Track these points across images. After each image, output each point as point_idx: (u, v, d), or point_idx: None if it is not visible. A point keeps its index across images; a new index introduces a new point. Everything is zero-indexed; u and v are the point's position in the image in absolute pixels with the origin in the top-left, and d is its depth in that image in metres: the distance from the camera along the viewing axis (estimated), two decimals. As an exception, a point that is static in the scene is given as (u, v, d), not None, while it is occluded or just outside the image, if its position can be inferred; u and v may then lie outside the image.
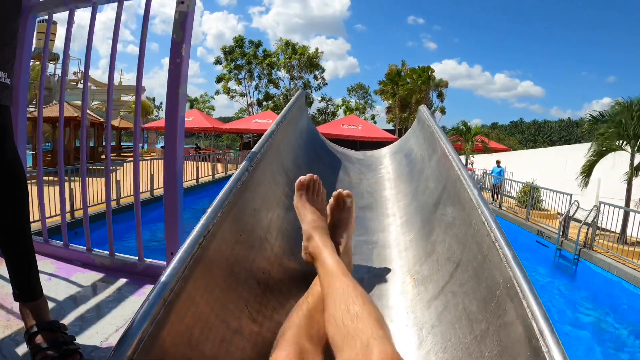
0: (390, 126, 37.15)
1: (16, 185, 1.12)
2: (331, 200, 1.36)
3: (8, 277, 1.18)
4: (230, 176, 1.20)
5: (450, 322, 1.01)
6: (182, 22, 1.46)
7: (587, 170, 9.72)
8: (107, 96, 1.73)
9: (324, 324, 0.91)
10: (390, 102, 36.38)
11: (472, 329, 0.92)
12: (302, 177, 1.30)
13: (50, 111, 14.40)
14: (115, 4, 1.66)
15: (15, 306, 1.38)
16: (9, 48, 1.06)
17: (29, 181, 1.97)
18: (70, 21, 1.79)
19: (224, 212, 1.02)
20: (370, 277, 1.34)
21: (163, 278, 0.78)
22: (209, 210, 0.99)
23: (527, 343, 0.74)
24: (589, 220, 8.43)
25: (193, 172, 14.53)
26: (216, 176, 15.88)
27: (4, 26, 1.04)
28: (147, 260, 1.72)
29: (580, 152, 10.32)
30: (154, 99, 45.16)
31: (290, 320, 0.97)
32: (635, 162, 8.84)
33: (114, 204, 9.00)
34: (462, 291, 1.05)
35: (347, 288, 0.90)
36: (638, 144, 8.82)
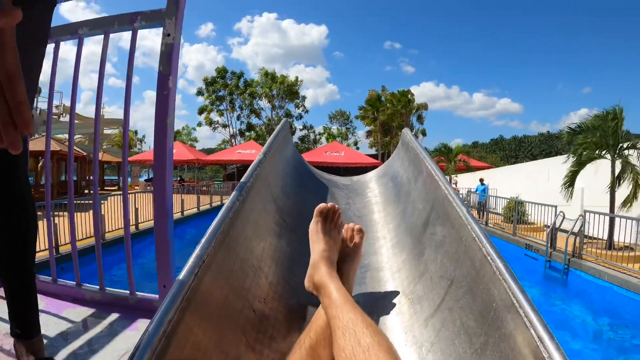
0: (373, 151, 37.57)
1: (27, 218, 1.11)
2: (343, 232, 1.34)
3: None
4: (215, 208, 1.21)
5: (449, 338, 1.01)
6: (169, 54, 1.49)
7: (570, 181, 9.92)
8: (95, 129, 1.74)
9: (327, 358, 0.90)
10: (371, 127, 36.76)
11: (471, 343, 0.93)
12: (322, 205, 1.28)
13: (33, 145, 14.24)
14: (101, 36, 1.68)
15: (5, 343, 1.36)
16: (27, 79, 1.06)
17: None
18: (56, 53, 1.80)
19: (217, 242, 1.02)
20: (366, 301, 1.34)
21: (161, 309, 0.78)
22: (203, 240, 0.99)
23: (527, 351, 0.75)
24: (576, 229, 8.55)
25: (178, 205, 14.42)
26: (201, 208, 15.73)
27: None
28: (139, 293, 1.70)
29: (561, 164, 10.53)
30: (136, 132, 45.07)
31: (291, 357, 0.94)
32: (617, 170, 9.05)
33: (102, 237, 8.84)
34: (458, 307, 1.05)
35: (357, 320, 0.86)
36: (617, 151, 9.04)
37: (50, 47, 1.79)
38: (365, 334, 0.82)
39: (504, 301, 0.87)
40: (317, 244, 1.24)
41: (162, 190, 1.48)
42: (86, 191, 20.66)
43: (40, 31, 1.08)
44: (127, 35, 1.66)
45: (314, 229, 1.27)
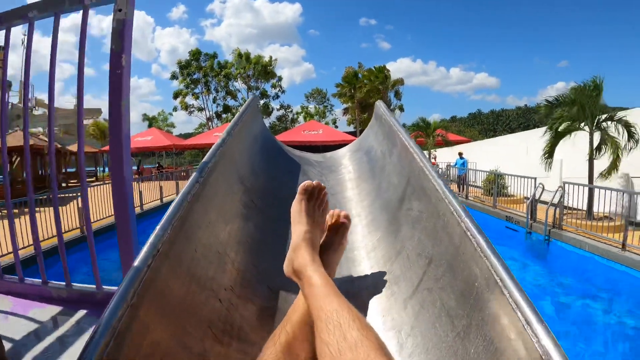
0: (351, 128, 37.46)
1: None
2: (327, 217, 1.25)
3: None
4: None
5: (429, 321, 0.96)
6: (121, 31, 1.38)
7: (549, 152, 10.04)
8: (49, 120, 1.63)
9: (305, 356, 0.83)
10: (348, 104, 36.58)
11: (453, 326, 0.87)
12: (307, 182, 1.20)
13: (7, 140, 13.84)
14: (52, 17, 1.57)
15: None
16: None
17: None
18: (7, 40, 1.71)
19: (174, 228, 0.94)
20: (340, 283, 1.27)
21: (109, 308, 0.71)
22: (157, 228, 0.90)
23: (514, 334, 0.70)
24: (555, 200, 8.67)
25: (156, 192, 14.21)
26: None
27: None
28: (107, 287, 1.63)
29: (540, 137, 10.62)
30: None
31: (265, 355, 0.85)
32: (595, 142, 9.17)
33: (77, 231, 8.70)
34: (438, 287, 1.00)
35: (342, 311, 0.77)
36: (595, 123, 9.14)
37: (1, 34, 1.69)
38: (352, 328, 0.72)
39: (486, 280, 0.81)
40: (299, 224, 1.14)
41: (119, 179, 1.38)
42: (63, 184, 20.23)
43: None
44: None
45: (297, 208, 1.17)
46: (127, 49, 1.38)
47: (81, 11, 1.52)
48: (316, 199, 1.20)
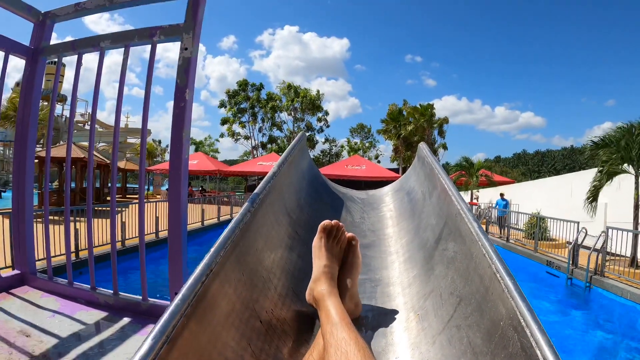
0: (394, 165, 37.33)
1: None
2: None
3: (12, 312, 1.18)
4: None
5: (455, 356, 1.00)
6: (186, 68, 1.52)
7: (593, 196, 9.69)
8: (114, 139, 1.78)
9: None
10: (393, 141, 36.54)
11: None
12: (326, 222, 1.31)
13: (57, 151, 14.64)
14: (122, 49, 1.73)
15: (19, 340, 1.39)
16: None
17: (35, 220, 2.01)
18: (78, 64, 1.86)
19: (226, 251, 1.04)
20: (375, 315, 1.33)
21: (166, 315, 0.79)
22: (212, 250, 1.01)
23: None
24: (598, 246, 8.36)
25: (198, 215, 14.57)
26: (221, 218, 15.92)
27: None
28: (151, 300, 1.72)
29: (584, 179, 10.31)
30: (160, 142, 45.78)
31: None
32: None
33: (119, 245, 9.03)
34: (466, 324, 1.04)
35: (350, 340, 0.89)
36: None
37: (73, 59, 1.87)
38: (356, 356, 0.83)
39: (511, 320, 0.86)
40: (319, 259, 1.27)
41: (176, 200, 1.51)
42: (108, 198, 20.95)
43: None
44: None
45: (317, 244, 1.30)
46: (191, 84, 1.52)
47: (149, 45, 1.68)
48: (334, 237, 1.31)
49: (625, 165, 9.13)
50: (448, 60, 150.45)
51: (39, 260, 1.74)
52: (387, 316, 1.32)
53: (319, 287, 1.17)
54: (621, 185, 9.47)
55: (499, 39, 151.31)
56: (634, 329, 6.66)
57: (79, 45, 1.83)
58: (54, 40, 1.97)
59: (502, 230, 14.33)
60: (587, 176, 10.09)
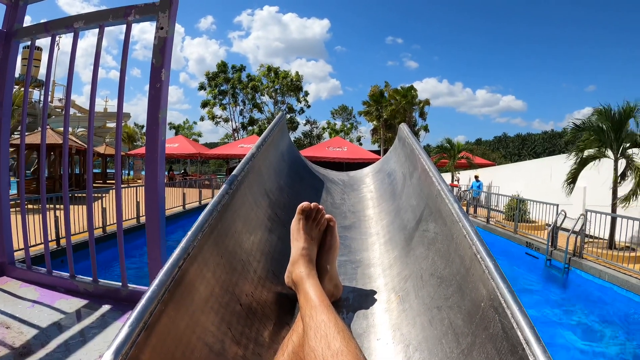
0: (375, 147, 37.48)
1: None
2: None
3: None
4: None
5: (436, 337, 1.01)
6: (162, 48, 1.48)
7: (572, 178, 9.86)
8: (89, 123, 1.73)
9: None
10: (374, 123, 36.60)
11: (458, 343, 0.92)
12: (304, 204, 1.29)
13: (34, 138, 14.28)
14: (97, 30, 1.68)
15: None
16: None
17: (12, 209, 1.96)
18: (52, 46, 1.81)
19: (204, 234, 1.02)
20: (355, 297, 1.33)
21: (143, 301, 0.78)
22: (189, 233, 0.99)
23: (514, 353, 0.74)
24: (577, 228, 8.53)
25: (179, 198, 14.45)
26: (203, 202, 15.82)
27: None
28: (131, 285, 1.70)
29: (564, 162, 10.47)
30: (142, 127, 44.98)
31: None
32: (619, 169, 8.99)
33: (99, 231, 8.91)
34: (447, 305, 1.04)
35: (329, 322, 0.88)
36: (620, 149, 8.98)
37: (47, 40, 1.81)
38: (335, 339, 0.83)
39: (492, 301, 0.86)
40: (297, 241, 1.26)
41: (153, 183, 1.48)
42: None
43: None
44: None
45: (296, 226, 1.29)
46: (167, 64, 1.48)
47: (124, 25, 1.63)
48: (313, 219, 1.30)
49: (605, 149, 9.28)
50: (429, 42, 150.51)
51: (18, 250, 1.70)
52: (368, 298, 1.32)
53: (298, 270, 1.15)
54: (600, 170, 9.63)
55: (481, 22, 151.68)
56: (611, 309, 6.86)
57: (53, 27, 1.78)
58: (28, 23, 1.90)
59: (475, 210, 14.84)
60: (567, 160, 10.23)
